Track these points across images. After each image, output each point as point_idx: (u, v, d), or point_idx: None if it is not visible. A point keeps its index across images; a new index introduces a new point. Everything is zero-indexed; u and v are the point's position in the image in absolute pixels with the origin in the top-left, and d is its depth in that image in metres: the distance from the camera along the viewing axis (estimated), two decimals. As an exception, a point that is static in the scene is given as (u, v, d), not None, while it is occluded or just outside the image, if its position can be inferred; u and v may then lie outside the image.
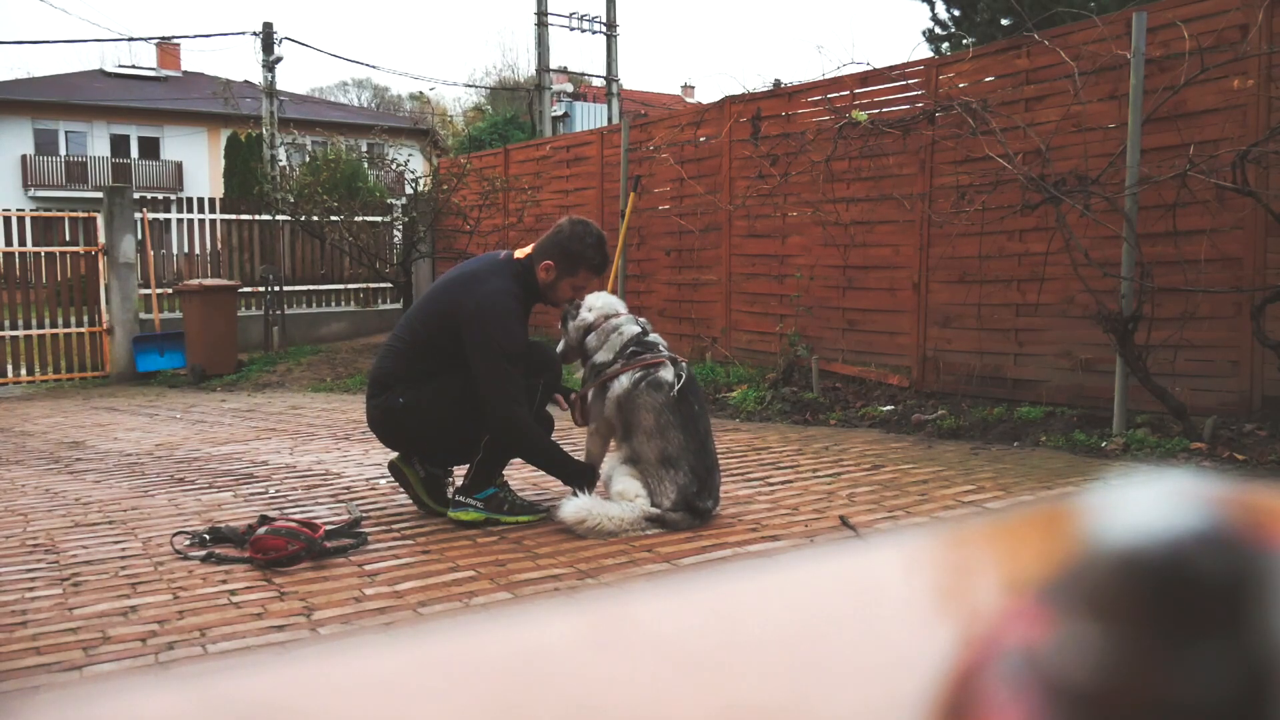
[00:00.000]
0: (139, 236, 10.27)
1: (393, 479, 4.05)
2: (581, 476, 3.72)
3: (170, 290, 10.33)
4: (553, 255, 3.77)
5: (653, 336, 3.79)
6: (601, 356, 3.74)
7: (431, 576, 3.13)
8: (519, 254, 3.84)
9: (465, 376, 3.65)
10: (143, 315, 10.26)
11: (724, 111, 7.77)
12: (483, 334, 3.57)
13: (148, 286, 10.33)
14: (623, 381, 3.64)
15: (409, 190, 11.38)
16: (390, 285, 11.15)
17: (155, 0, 78.78)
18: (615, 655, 0.33)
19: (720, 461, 4.60)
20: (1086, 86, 5.24)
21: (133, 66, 32.45)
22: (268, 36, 18.62)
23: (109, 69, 32.33)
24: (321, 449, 5.49)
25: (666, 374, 3.62)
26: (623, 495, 3.55)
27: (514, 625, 0.35)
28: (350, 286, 11.65)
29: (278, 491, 4.42)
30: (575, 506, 3.48)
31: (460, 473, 3.88)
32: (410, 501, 3.95)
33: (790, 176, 7.05)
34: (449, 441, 3.82)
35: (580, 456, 3.88)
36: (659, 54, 78.98)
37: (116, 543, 3.62)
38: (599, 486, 3.78)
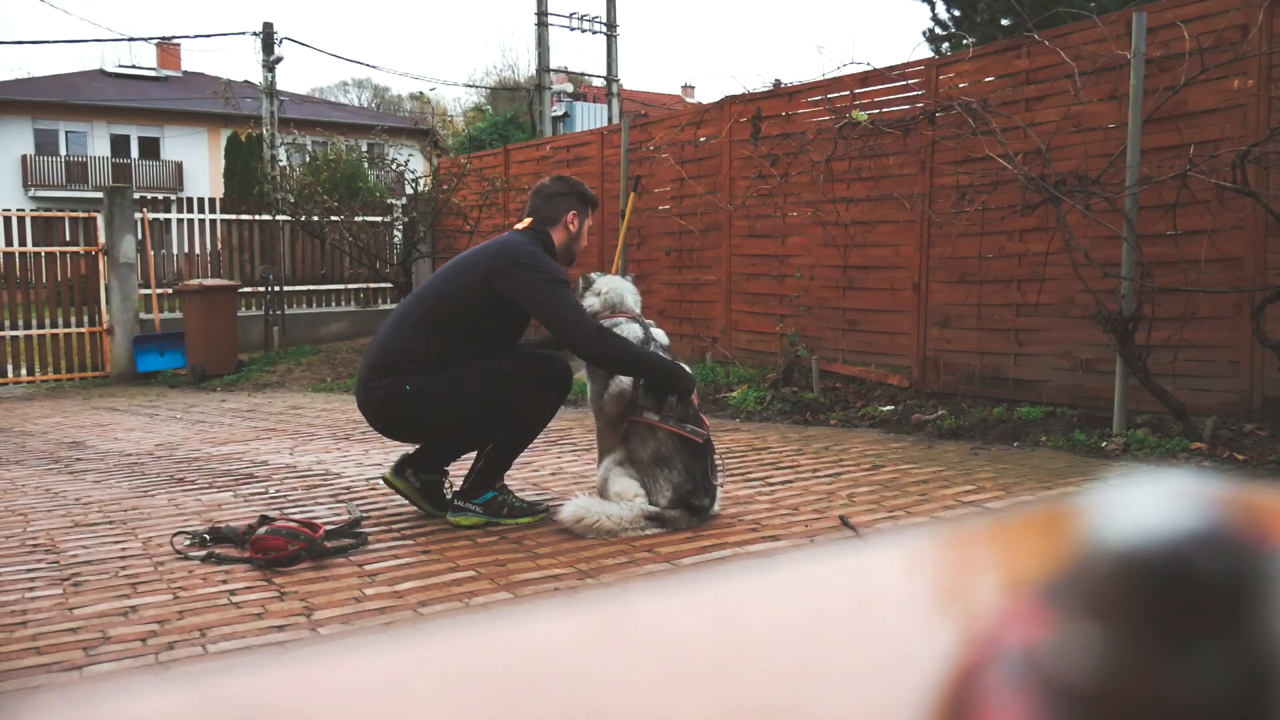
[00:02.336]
0: (139, 236, 10.27)
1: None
2: (681, 380, 3.59)
3: (170, 290, 10.34)
4: (572, 204, 3.76)
5: (654, 333, 3.76)
6: None
7: (431, 576, 3.13)
8: (518, 227, 3.80)
9: (479, 368, 3.58)
10: (143, 315, 10.27)
11: (724, 111, 7.77)
12: (530, 276, 3.51)
13: (148, 286, 10.33)
14: (623, 381, 3.62)
15: (409, 190, 11.39)
16: (390, 285, 11.15)
17: (155, 0, 78.81)
18: (615, 655, 0.33)
19: (720, 461, 4.59)
20: (1086, 86, 5.24)
21: (133, 66, 32.46)
22: (268, 36, 18.62)
23: (109, 69, 32.33)
24: (321, 449, 5.49)
25: None
26: (620, 495, 3.55)
27: (514, 625, 0.35)
28: (350, 286, 11.65)
29: (278, 491, 4.42)
30: (574, 506, 3.48)
31: (456, 472, 3.87)
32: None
33: (790, 176, 7.05)
34: (453, 434, 3.75)
35: (578, 457, 3.86)
36: (659, 54, 79.00)
37: (116, 543, 3.62)
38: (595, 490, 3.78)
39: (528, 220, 3.78)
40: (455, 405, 3.61)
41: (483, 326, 3.61)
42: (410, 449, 3.93)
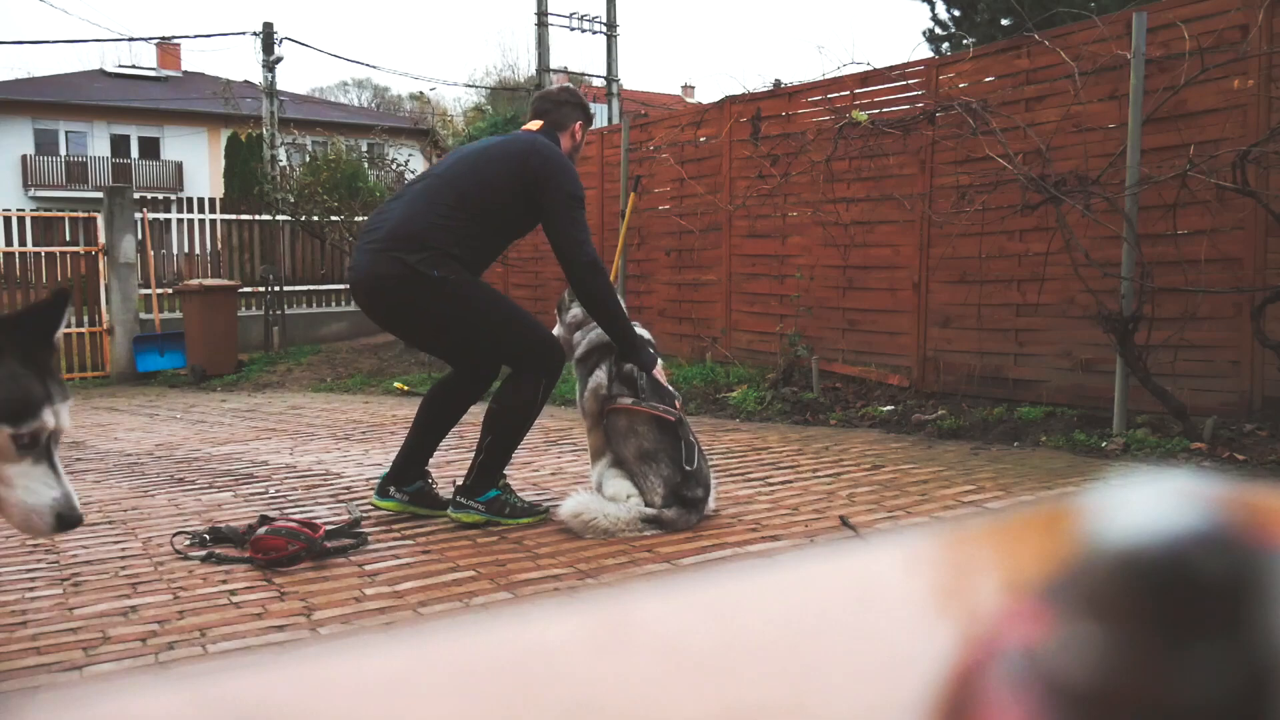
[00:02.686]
0: (139, 236, 10.28)
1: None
2: (642, 351, 3.65)
3: (170, 290, 10.34)
4: (579, 115, 3.81)
5: (639, 333, 3.78)
6: (579, 351, 3.78)
7: (431, 576, 3.13)
8: (529, 128, 3.80)
9: (510, 306, 3.66)
10: (143, 315, 10.27)
11: (724, 111, 7.77)
12: (560, 181, 3.53)
13: (148, 286, 10.34)
14: (599, 376, 3.65)
15: (409, 190, 11.37)
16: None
17: (155, 0, 78.78)
18: (615, 656, 0.33)
19: (720, 461, 4.59)
20: (1086, 87, 5.24)
21: (133, 66, 32.45)
22: (268, 36, 18.61)
23: (109, 69, 32.32)
24: (321, 449, 5.49)
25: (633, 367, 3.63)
26: (615, 498, 3.55)
27: (514, 625, 0.35)
28: (350, 286, 11.65)
29: (278, 491, 4.42)
30: (573, 501, 3.49)
31: (442, 474, 3.86)
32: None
33: (790, 176, 7.05)
34: (436, 345, 3.77)
35: (578, 457, 3.86)
36: (659, 54, 78.94)
37: (116, 543, 3.62)
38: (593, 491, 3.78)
39: (538, 123, 3.78)
40: (468, 319, 3.56)
41: (505, 220, 3.61)
42: (387, 466, 3.92)
